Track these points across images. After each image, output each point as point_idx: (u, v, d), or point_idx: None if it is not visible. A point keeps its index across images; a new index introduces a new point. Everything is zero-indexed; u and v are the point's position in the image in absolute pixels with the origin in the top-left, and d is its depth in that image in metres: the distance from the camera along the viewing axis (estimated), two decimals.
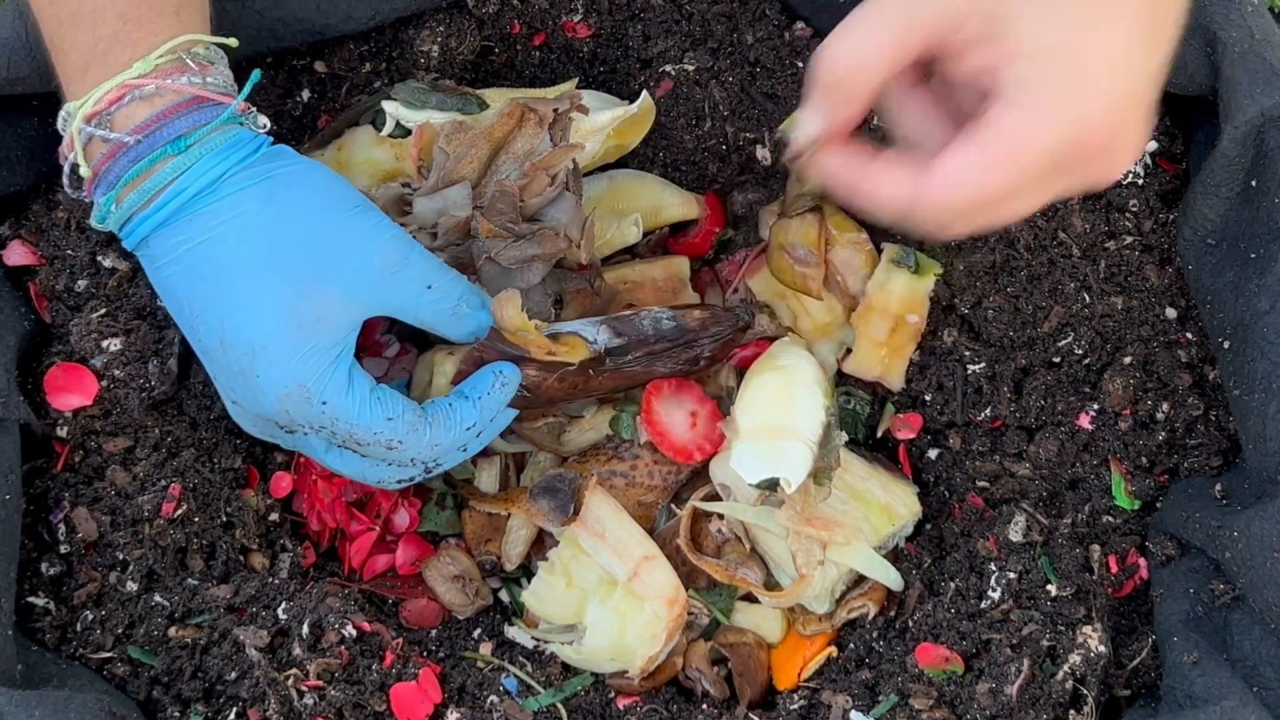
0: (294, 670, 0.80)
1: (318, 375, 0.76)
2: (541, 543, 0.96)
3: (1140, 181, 0.92)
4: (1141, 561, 0.88)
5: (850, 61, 0.65)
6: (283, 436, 0.82)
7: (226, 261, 0.75)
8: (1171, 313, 0.92)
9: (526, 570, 0.96)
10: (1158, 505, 0.90)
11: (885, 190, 0.67)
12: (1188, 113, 0.94)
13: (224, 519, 0.90)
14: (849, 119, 0.67)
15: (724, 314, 0.92)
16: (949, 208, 0.65)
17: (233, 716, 0.80)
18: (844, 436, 0.91)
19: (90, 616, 0.83)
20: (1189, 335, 0.91)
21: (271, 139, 0.79)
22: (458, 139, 0.87)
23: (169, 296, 0.79)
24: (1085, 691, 0.80)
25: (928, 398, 0.97)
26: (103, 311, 0.87)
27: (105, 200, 0.77)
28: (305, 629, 0.83)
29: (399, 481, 0.85)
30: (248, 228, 0.75)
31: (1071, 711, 0.80)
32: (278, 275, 0.75)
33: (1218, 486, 0.85)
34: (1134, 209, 0.92)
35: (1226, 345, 0.84)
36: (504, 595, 0.97)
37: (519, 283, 0.87)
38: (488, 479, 0.97)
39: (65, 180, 0.80)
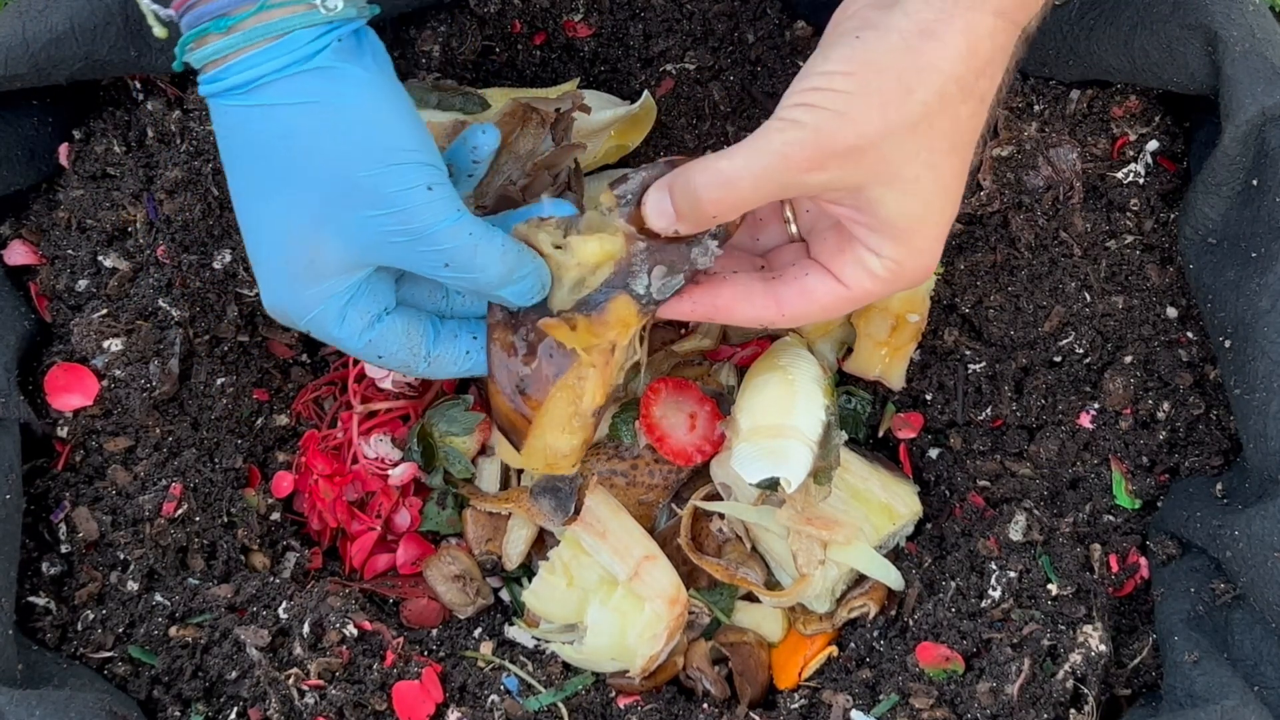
0: (295, 670, 0.80)
1: (302, 308, 0.75)
2: (542, 542, 0.96)
3: (1141, 181, 0.92)
4: (1142, 561, 0.88)
5: (718, 208, 0.73)
6: None
7: (242, 169, 0.74)
8: (1172, 312, 0.92)
9: (527, 570, 0.96)
10: (1158, 504, 0.90)
11: (746, 312, 0.79)
12: (1188, 112, 0.94)
13: (225, 519, 0.90)
14: (686, 234, 0.77)
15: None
16: (803, 323, 0.81)
17: (233, 716, 0.80)
18: (844, 436, 0.91)
19: (91, 616, 0.83)
20: (1190, 334, 0.91)
21: (343, 27, 0.73)
22: None
23: None
24: (1086, 690, 0.80)
25: (928, 397, 0.97)
26: (104, 312, 0.87)
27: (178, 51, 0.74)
28: (306, 628, 0.83)
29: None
30: (267, 149, 0.72)
31: (1072, 711, 0.80)
32: (278, 208, 0.73)
33: (1218, 486, 0.85)
34: (1135, 208, 0.92)
35: (1227, 344, 0.84)
36: (505, 595, 0.97)
37: None
38: (488, 478, 0.97)
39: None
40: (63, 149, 0.91)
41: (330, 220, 0.73)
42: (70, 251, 0.89)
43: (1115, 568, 0.87)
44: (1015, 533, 0.88)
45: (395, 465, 0.97)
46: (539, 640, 0.91)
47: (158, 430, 0.88)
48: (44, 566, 0.83)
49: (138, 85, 0.92)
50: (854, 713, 0.83)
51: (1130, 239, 0.92)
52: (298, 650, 0.82)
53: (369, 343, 0.77)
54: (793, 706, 0.86)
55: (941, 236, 0.74)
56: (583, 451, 0.84)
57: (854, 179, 0.70)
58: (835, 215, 0.74)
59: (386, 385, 0.97)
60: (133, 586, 0.84)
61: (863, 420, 0.99)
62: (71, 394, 0.85)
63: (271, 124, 0.72)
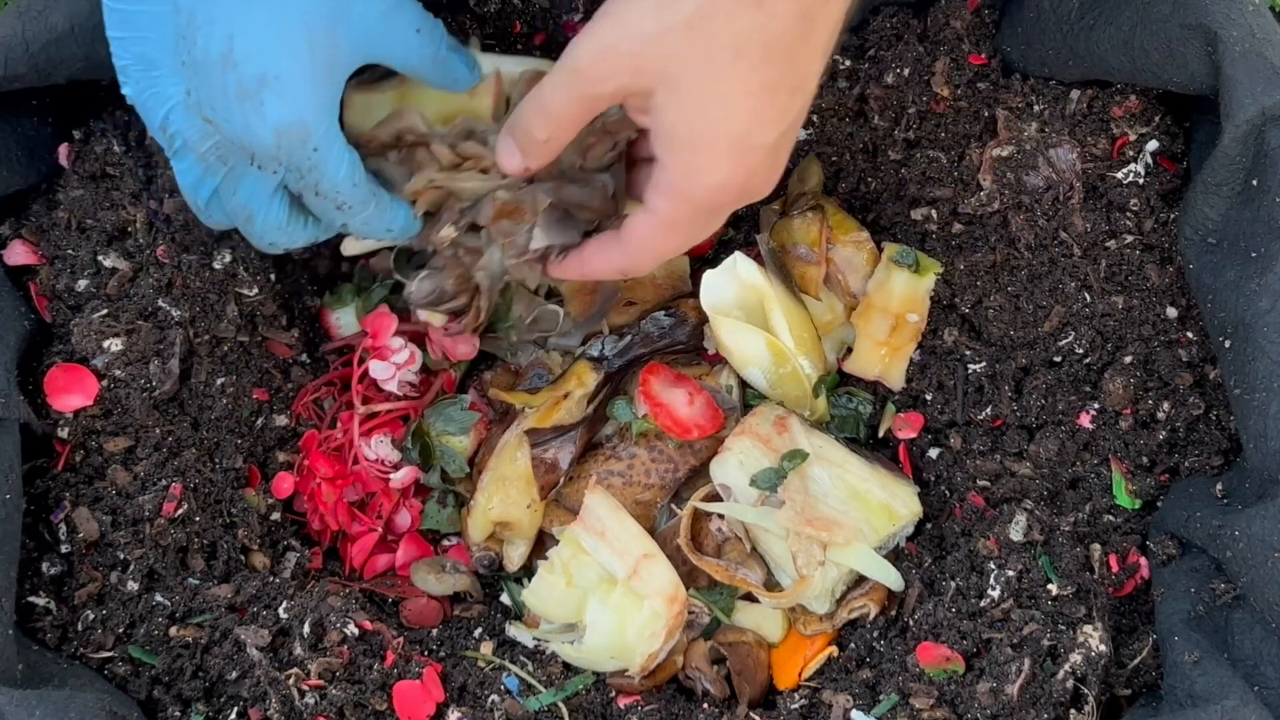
0: (295, 670, 0.80)
1: (318, 116, 0.76)
2: (542, 543, 0.96)
3: (1141, 181, 0.92)
4: (1142, 561, 0.88)
5: (545, 132, 0.78)
6: (238, 167, 0.79)
7: None
8: (1172, 312, 0.92)
9: (528, 570, 0.96)
10: (1158, 504, 0.90)
11: (603, 265, 0.84)
12: (1188, 112, 0.94)
13: (225, 519, 0.90)
14: (539, 167, 0.82)
15: None
16: (647, 262, 0.83)
17: (234, 716, 0.80)
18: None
19: (91, 616, 0.83)
20: (1189, 334, 0.91)
21: None
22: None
23: None
24: (1086, 691, 0.80)
25: (928, 397, 0.97)
26: (104, 312, 0.87)
27: None
28: (306, 628, 0.83)
29: (293, 249, 0.86)
30: None
31: (1072, 711, 0.80)
32: (298, 6, 0.74)
33: (1218, 486, 0.85)
34: (1135, 208, 0.92)
35: (1227, 344, 0.84)
36: (504, 597, 0.97)
37: (560, 238, 0.86)
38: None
39: None
40: (63, 149, 0.91)
41: (341, 11, 0.76)
42: (70, 251, 0.88)
43: (1115, 568, 0.87)
44: (1015, 533, 0.88)
45: (396, 468, 0.97)
46: (539, 640, 0.91)
47: (158, 430, 0.88)
48: (44, 566, 0.83)
49: None
50: (854, 713, 0.83)
51: (1130, 239, 0.92)
52: (298, 650, 0.82)
53: (351, 159, 0.79)
54: (793, 706, 0.86)
55: (740, 148, 0.74)
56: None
57: (642, 84, 0.72)
58: (645, 129, 0.77)
59: (390, 386, 0.97)
60: (133, 586, 0.84)
61: (863, 420, 1.00)
62: (71, 394, 0.85)
63: None
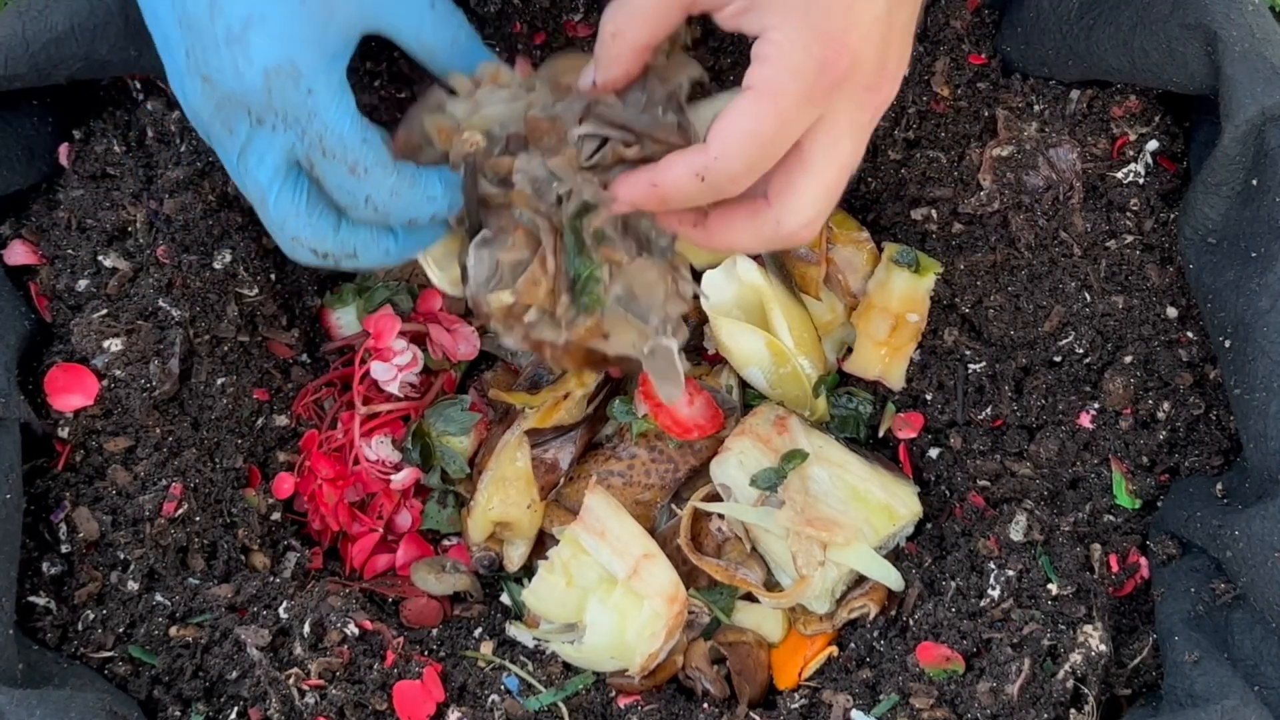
0: (295, 669, 0.80)
1: (312, 59, 0.72)
2: (542, 543, 0.96)
3: (1141, 181, 0.92)
4: (1142, 560, 0.88)
5: (625, 31, 0.71)
6: (242, 131, 0.74)
7: None
8: (1172, 312, 0.92)
9: (528, 570, 0.96)
10: (1159, 504, 0.90)
11: (680, 169, 0.72)
12: (1188, 111, 0.94)
13: (225, 519, 0.90)
14: (624, 75, 0.74)
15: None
16: (736, 153, 0.70)
17: (234, 716, 0.80)
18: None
19: (91, 616, 0.83)
20: (1190, 334, 0.91)
21: None
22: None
23: None
24: (1086, 690, 0.80)
25: (928, 397, 0.97)
26: (104, 312, 0.87)
27: None
28: (306, 628, 0.83)
29: (322, 254, 0.78)
30: None
31: (1072, 710, 0.80)
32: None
33: (1219, 486, 0.85)
34: (1135, 208, 0.92)
35: (1227, 344, 0.84)
36: (505, 598, 0.97)
37: (613, 131, 0.77)
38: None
39: None
40: (63, 149, 0.91)
41: None
42: (70, 251, 0.89)
43: (1115, 568, 0.87)
44: (1015, 533, 0.88)
45: (397, 469, 0.97)
46: (539, 640, 0.91)
47: (158, 430, 0.88)
48: (44, 566, 0.83)
49: (138, 85, 0.92)
50: (854, 713, 0.83)
51: (1130, 239, 0.92)
52: (298, 650, 0.82)
53: (361, 119, 0.74)
54: (793, 706, 0.86)
55: (857, 17, 0.67)
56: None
57: None
58: (739, 27, 0.70)
59: (391, 387, 0.97)
60: (133, 586, 0.84)
61: (863, 420, 1.00)
62: (71, 394, 0.85)
63: None
